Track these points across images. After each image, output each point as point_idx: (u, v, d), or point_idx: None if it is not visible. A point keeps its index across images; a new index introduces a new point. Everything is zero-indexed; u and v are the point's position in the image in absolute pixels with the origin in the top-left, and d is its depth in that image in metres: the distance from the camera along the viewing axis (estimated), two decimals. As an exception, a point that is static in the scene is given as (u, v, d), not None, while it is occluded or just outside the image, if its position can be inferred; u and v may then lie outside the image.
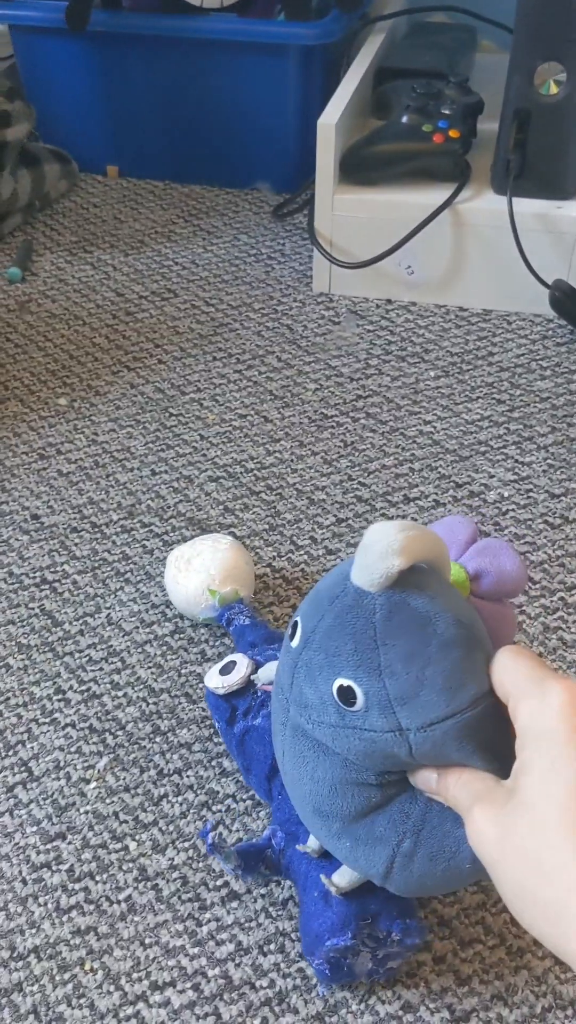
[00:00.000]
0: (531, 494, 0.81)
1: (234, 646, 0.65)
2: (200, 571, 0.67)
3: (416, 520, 0.78)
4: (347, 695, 0.41)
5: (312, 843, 0.50)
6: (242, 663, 0.58)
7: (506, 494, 0.81)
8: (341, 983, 0.51)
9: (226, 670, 0.59)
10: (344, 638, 0.41)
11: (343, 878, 0.48)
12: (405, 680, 0.40)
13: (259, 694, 0.58)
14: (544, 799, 0.36)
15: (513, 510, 0.79)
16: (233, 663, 0.59)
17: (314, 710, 0.43)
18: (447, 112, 1.00)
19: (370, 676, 0.40)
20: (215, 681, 0.58)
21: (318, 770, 0.44)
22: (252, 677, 0.58)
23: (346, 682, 0.41)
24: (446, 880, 0.44)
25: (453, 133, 0.99)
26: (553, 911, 0.35)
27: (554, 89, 0.93)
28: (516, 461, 0.84)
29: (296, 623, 0.44)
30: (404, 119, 1.00)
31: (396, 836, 0.44)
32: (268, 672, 0.57)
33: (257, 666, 0.58)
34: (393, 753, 0.41)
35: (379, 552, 0.39)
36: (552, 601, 0.72)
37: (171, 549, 0.75)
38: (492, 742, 0.41)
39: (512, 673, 0.40)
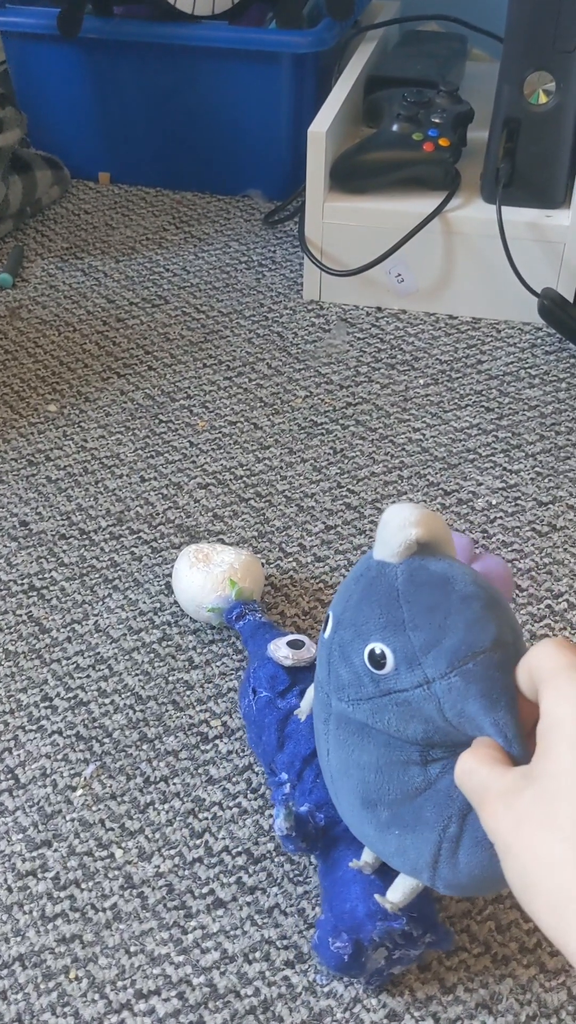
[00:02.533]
0: (519, 502, 0.81)
1: (245, 644, 0.65)
2: (221, 564, 0.68)
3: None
4: (377, 658, 0.43)
5: (367, 856, 0.50)
6: (311, 645, 0.60)
7: (494, 502, 0.81)
8: (346, 975, 0.51)
9: (295, 644, 0.60)
10: (370, 607, 0.44)
11: (397, 892, 0.48)
12: (428, 630, 0.42)
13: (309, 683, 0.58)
14: (563, 792, 0.36)
15: (501, 518, 0.80)
16: (301, 641, 0.60)
17: (351, 687, 0.45)
18: (437, 121, 1.00)
19: (396, 633, 0.43)
20: (284, 651, 0.59)
21: (363, 755, 0.45)
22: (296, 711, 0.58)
23: (374, 645, 0.43)
24: (491, 874, 0.44)
25: (443, 142, 0.99)
26: (556, 902, 0.35)
27: (543, 99, 0.94)
28: (504, 469, 0.84)
29: (328, 616, 0.47)
30: (394, 128, 1.01)
31: (442, 820, 0.44)
32: (308, 702, 0.57)
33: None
34: (427, 715, 0.42)
35: (397, 525, 0.43)
36: (539, 609, 0.72)
37: (161, 556, 0.76)
38: (513, 701, 0.41)
39: (548, 659, 0.39)
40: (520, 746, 0.40)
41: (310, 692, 0.56)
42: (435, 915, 0.50)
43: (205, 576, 0.67)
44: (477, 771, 0.40)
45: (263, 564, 0.75)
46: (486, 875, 0.44)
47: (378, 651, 0.43)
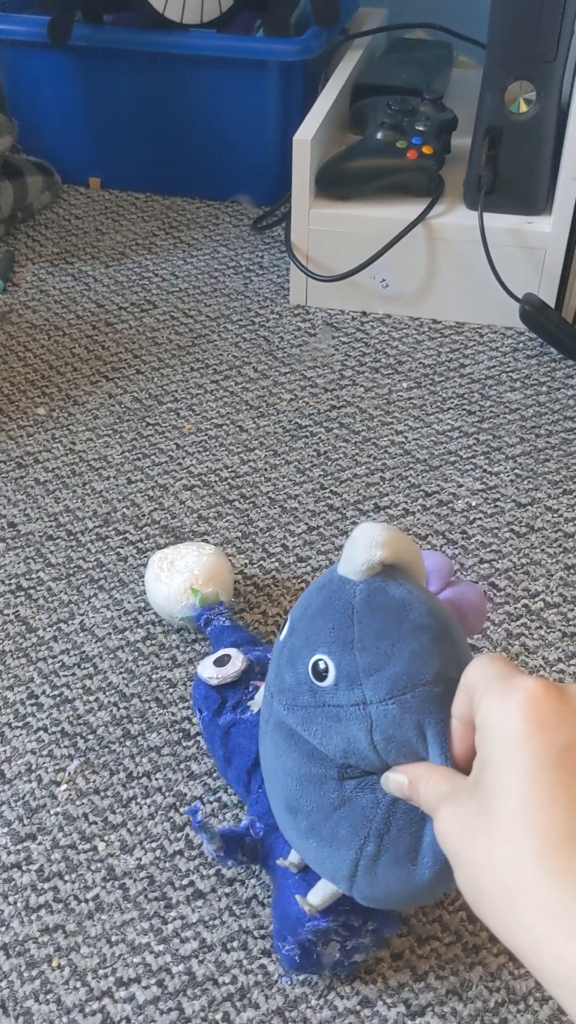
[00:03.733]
0: (498, 503, 0.83)
1: (211, 648, 0.67)
2: (183, 571, 0.68)
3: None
4: (320, 670, 0.44)
5: (293, 857, 0.51)
6: (237, 657, 0.61)
7: (474, 503, 0.83)
8: (306, 973, 0.53)
9: (220, 662, 0.61)
10: (324, 619, 0.45)
11: (317, 896, 0.49)
12: (374, 653, 0.43)
13: (250, 688, 0.59)
14: (501, 797, 0.37)
15: (480, 519, 0.81)
16: (228, 656, 0.61)
17: (291, 692, 0.46)
18: (421, 129, 1.02)
19: (342, 650, 0.44)
20: (210, 671, 0.60)
21: (288, 761, 0.46)
22: (250, 684, 0.59)
23: (320, 657, 0.44)
24: (410, 889, 0.45)
25: (427, 149, 1.01)
26: (503, 906, 0.36)
27: (524, 107, 0.95)
28: (484, 471, 0.86)
29: (287, 620, 0.48)
30: (379, 135, 1.02)
31: (358, 839, 0.45)
32: (258, 698, 0.58)
33: (250, 663, 0.60)
34: (353, 735, 0.43)
35: (364, 544, 0.44)
36: (516, 608, 0.73)
37: (146, 557, 0.77)
38: (445, 734, 0.42)
39: (482, 671, 0.40)
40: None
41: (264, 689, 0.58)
42: None
43: (168, 587, 0.68)
44: (431, 779, 0.41)
45: (246, 564, 0.77)
46: (404, 891, 0.46)
47: (322, 664, 0.44)
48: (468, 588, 0.57)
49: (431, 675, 0.42)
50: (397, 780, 0.43)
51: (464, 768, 0.42)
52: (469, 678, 0.41)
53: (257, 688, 0.59)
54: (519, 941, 0.35)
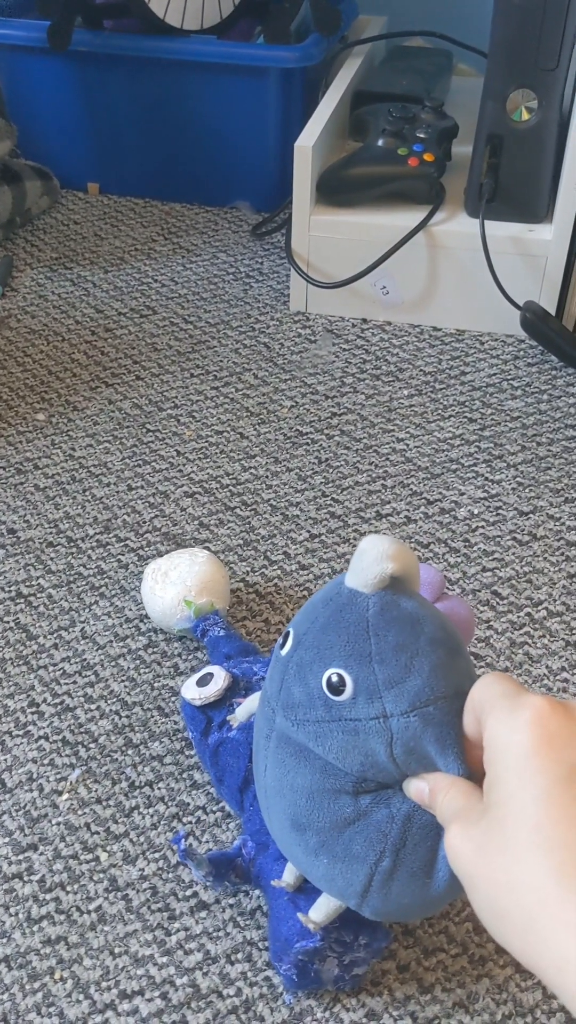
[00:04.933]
0: (500, 511, 0.82)
1: (208, 658, 0.66)
2: (177, 583, 0.68)
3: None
4: (335, 684, 0.43)
5: (287, 876, 0.51)
6: (219, 675, 0.60)
7: (476, 511, 0.82)
8: (308, 990, 0.52)
9: (203, 682, 0.60)
10: (337, 633, 0.44)
11: (319, 912, 0.49)
12: (394, 666, 0.43)
13: (234, 706, 0.59)
14: (514, 816, 0.37)
15: (482, 527, 0.81)
16: (210, 675, 0.60)
17: (300, 708, 0.45)
18: (422, 136, 1.02)
19: (360, 663, 0.43)
20: (192, 692, 0.60)
21: (297, 778, 0.46)
22: (232, 702, 0.59)
23: (336, 671, 0.43)
24: (423, 902, 0.45)
25: (428, 157, 1.01)
26: (523, 926, 0.35)
27: (526, 116, 0.95)
28: (486, 479, 0.86)
29: (288, 633, 0.47)
30: (380, 142, 1.02)
31: (374, 854, 0.45)
32: (245, 710, 0.58)
33: (233, 679, 0.60)
34: (371, 748, 0.43)
35: (374, 557, 0.43)
36: (519, 617, 0.73)
37: (147, 564, 0.77)
38: (463, 748, 0.42)
39: (488, 690, 0.40)
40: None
41: (248, 702, 0.57)
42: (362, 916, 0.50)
43: (163, 600, 0.68)
44: (449, 791, 0.41)
45: (248, 572, 0.76)
46: (416, 904, 0.45)
47: (336, 678, 0.43)
48: (458, 604, 0.57)
49: (452, 688, 0.43)
50: (418, 787, 0.43)
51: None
52: (476, 696, 0.41)
53: (239, 704, 0.59)
54: (541, 961, 0.35)
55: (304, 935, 0.49)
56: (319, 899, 0.49)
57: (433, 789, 0.42)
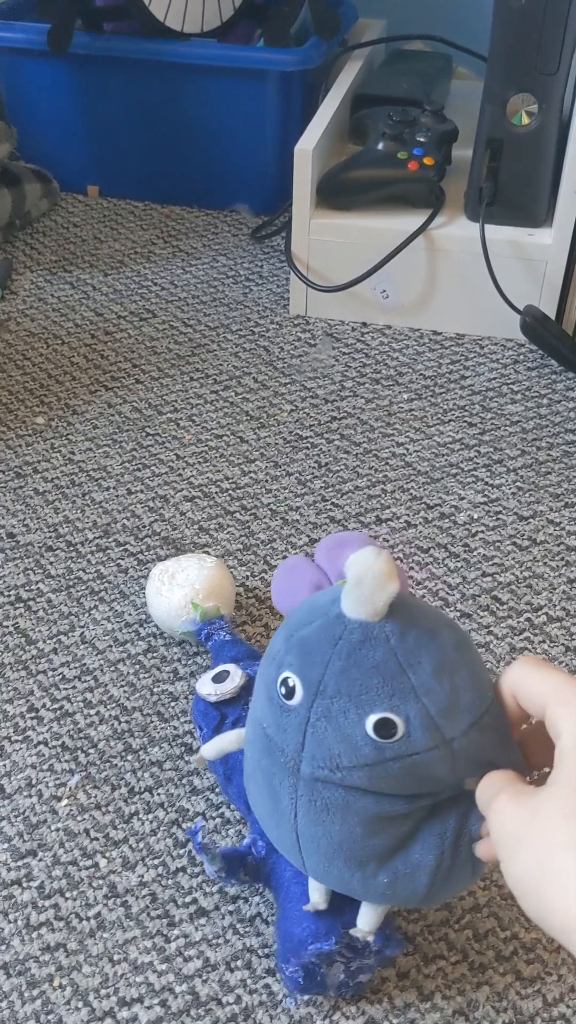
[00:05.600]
0: (500, 516, 0.82)
1: (211, 663, 0.66)
2: (184, 585, 0.68)
3: (387, 541, 0.80)
4: (385, 727, 0.41)
5: (315, 896, 0.50)
6: (236, 673, 0.60)
7: (476, 516, 0.82)
8: (310, 994, 0.52)
9: (219, 678, 0.60)
10: (366, 675, 0.42)
11: (368, 920, 0.48)
12: (442, 693, 0.41)
13: (246, 708, 0.59)
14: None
15: (482, 532, 0.81)
16: (226, 672, 0.60)
17: (343, 756, 0.42)
18: (422, 140, 1.02)
19: (405, 701, 0.41)
20: (208, 688, 0.60)
21: (349, 816, 0.44)
22: (246, 700, 0.58)
23: (382, 715, 0.41)
24: (470, 881, 0.47)
25: (428, 160, 1.01)
26: (560, 888, 0.36)
27: (526, 120, 0.95)
28: (486, 483, 0.86)
29: (287, 679, 0.44)
30: (380, 146, 1.02)
31: (435, 859, 0.44)
32: (215, 749, 0.55)
33: (250, 678, 0.59)
34: (432, 771, 0.42)
35: (374, 582, 0.41)
36: (519, 622, 0.73)
37: (147, 568, 0.76)
38: (510, 730, 0.43)
39: (544, 683, 0.41)
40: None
41: (219, 744, 0.54)
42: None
43: (169, 601, 0.68)
44: (493, 778, 0.42)
45: (247, 576, 0.76)
46: (465, 884, 0.47)
47: (388, 721, 0.41)
48: (357, 538, 0.56)
49: (488, 682, 0.43)
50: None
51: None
52: (529, 689, 0.42)
53: (209, 735, 0.58)
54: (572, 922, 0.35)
55: (319, 937, 0.49)
56: (363, 910, 0.48)
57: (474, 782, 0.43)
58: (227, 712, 0.59)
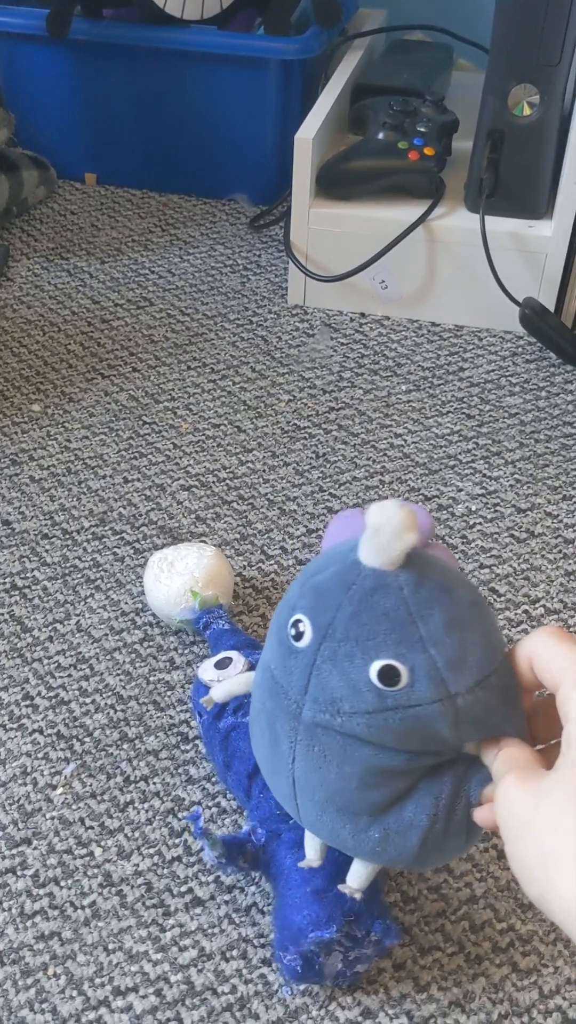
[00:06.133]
0: (498, 508, 0.82)
1: (209, 652, 0.66)
2: (183, 573, 0.68)
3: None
4: (389, 675, 0.41)
5: (311, 854, 0.50)
6: (238, 660, 0.60)
7: (474, 508, 0.82)
8: (307, 983, 0.52)
9: (222, 664, 0.60)
10: (376, 622, 0.42)
11: (357, 878, 0.48)
12: (450, 646, 0.41)
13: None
14: None
15: (480, 524, 0.81)
16: (229, 659, 0.60)
17: (345, 701, 0.42)
18: (423, 130, 1.01)
19: (413, 650, 0.41)
20: (210, 674, 0.59)
21: (345, 765, 0.44)
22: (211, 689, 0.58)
23: (387, 662, 0.41)
24: (464, 847, 0.46)
25: (428, 151, 1.01)
26: (569, 869, 0.35)
27: (527, 111, 0.95)
28: (484, 475, 0.85)
29: (298, 622, 0.44)
30: (380, 136, 1.02)
31: (427, 819, 0.44)
32: (224, 691, 0.55)
33: (252, 666, 0.59)
34: (433, 727, 0.42)
35: (392, 531, 0.41)
36: (516, 614, 0.73)
37: (143, 557, 0.76)
38: (519, 697, 0.43)
39: (562, 658, 0.40)
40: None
41: (227, 687, 0.54)
42: (377, 912, 0.50)
43: (168, 589, 0.67)
44: (511, 754, 0.41)
45: (244, 566, 0.76)
46: (459, 850, 0.46)
47: (392, 669, 0.41)
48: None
49: (502, 646, 0.42)
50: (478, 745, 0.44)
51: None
52: (546, 663, 0.41)
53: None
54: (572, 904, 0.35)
55: (320, 925, 0.49)
56: (354, 867, 0.48)
57: (487, 748, 0.43)
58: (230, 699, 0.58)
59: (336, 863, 0.50)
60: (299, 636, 0.44)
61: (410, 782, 0.44)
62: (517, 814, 0.39)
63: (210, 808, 0.60)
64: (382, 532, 0.41)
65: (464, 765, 0.44)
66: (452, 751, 0.44)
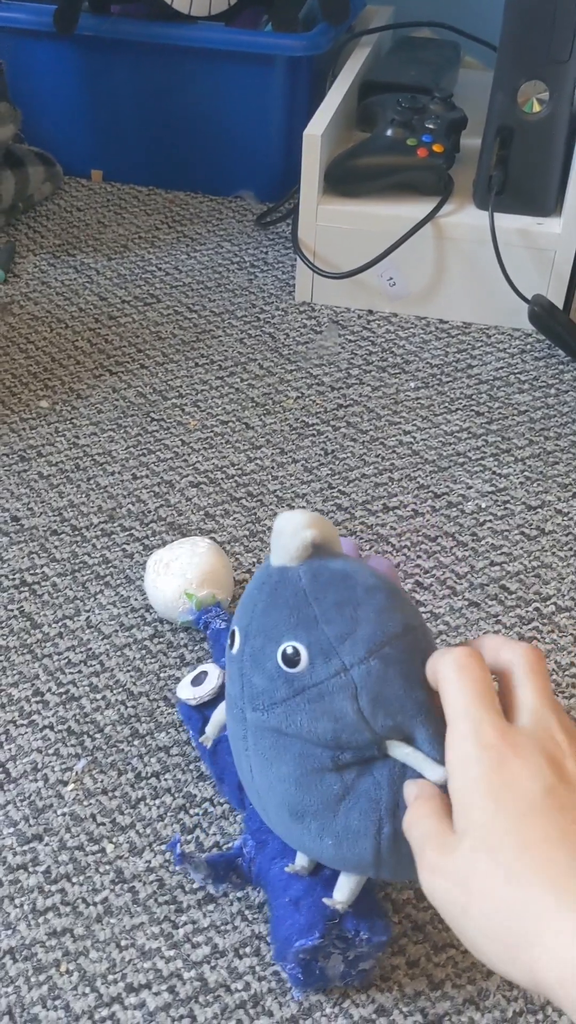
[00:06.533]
0: (508, 506, 0.82)
1: (211, 649, 0.65)
2: (177, 575, 0.67)
3: (395, 530, 0.79)
4: (291, 657, 0.44)
5: (300, 860, 0.50)
6: (213, 673, 0.59)
7: (483, 505, 0.82)
8: (315, 987, 0.52)
9: (197, 681, 0.59)
10: (278, 611, 0.45)
11: (343, 891, 0.48)
12: (341, 622, 0.44)
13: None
14: (493, 839, 0.37)
15: (490, 521, 0.80)
16: (204, 673, 0.59)
17: (265, 694, 0.45)
18: (431, 127, 1.01)
19: (308, 630, 0.44)
20: (187, 692, 0.59)
21: (282, 766, 0.46)
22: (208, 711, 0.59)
23: (287, 644, 0.44)
24: None
25: (437, 148, 1.00)
26: (522, 944, 0.36)
27: (537, 107, 0.95)
28: (494, 473, 0.85)
29: (233, 632, 0.48)
30: (389, 132, 1.02)
31: (373, 825, 0.45)
32: (215, 726, 0.57)
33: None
34: (339, 709, 0.43)
35: (291, 530, 0.45)
36: (527, 611, 0.73)
37: (151, 553, 0.76)
38: (426, 682, 0.44)
39: (456, 687, 0.41)
40: (438, 741, 0.43)
41: (215, 717, 0.56)
42: (363, 910, 0.49)
43: (164, 593, 0.67)
44: (417, 824, 0.41)
45: (254, 563, 0.76)
46: None
47: (291, 649, 0.44)
48: (378, 560, 0.59)
49: (400, 627, 0.44)
50: (408, 791, 0.44)
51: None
52: (442, 674, 0.42)
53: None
54: (548, 975, 0.35)
55: (303, 934, 0.48)
56: (339, 879, 0.48)
57: (408, 796, 0.43)
58: (208, 714, 0.58)
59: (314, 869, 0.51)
60: (232, 643, 0.47)
61: (343, 783, 0.45)
62: (447, 900, 0.39)
63: (221, 804, 0.60)
64: (283, 533, 0.45)
65: (398, 771, 0.44)
66: (370, 745, 0.44)
